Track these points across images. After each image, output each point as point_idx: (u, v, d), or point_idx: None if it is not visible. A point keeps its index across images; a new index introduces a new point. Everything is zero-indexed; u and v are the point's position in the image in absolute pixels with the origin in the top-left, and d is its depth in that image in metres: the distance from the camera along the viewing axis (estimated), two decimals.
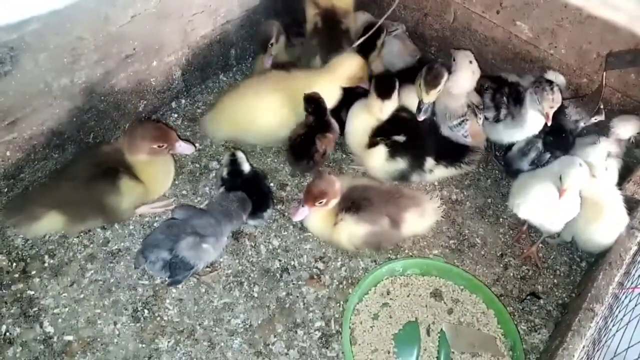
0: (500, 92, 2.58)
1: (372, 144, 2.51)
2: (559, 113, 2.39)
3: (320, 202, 2.22)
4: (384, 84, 2.45)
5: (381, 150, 2.48)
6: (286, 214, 2.50)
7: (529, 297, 2.36)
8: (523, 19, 2.51)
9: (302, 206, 2.25)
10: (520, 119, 2.47)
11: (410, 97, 2.53)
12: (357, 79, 2.60)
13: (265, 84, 2.55)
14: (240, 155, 2.45)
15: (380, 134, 2.50)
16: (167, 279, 2.17)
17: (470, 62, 2.50)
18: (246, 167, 2.44)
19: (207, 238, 2.14)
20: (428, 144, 2.55)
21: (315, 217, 2.33)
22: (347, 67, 2.57)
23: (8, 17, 1.92)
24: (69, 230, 2.29)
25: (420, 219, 2.37)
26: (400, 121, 2.52)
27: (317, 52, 2.79)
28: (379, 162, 2.50)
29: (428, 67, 2.38)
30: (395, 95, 2.45)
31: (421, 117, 2.41)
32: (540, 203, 2.26)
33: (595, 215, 2.28)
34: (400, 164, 2.49)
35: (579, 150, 2.42)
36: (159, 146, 2.24)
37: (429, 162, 2.55)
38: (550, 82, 2.32)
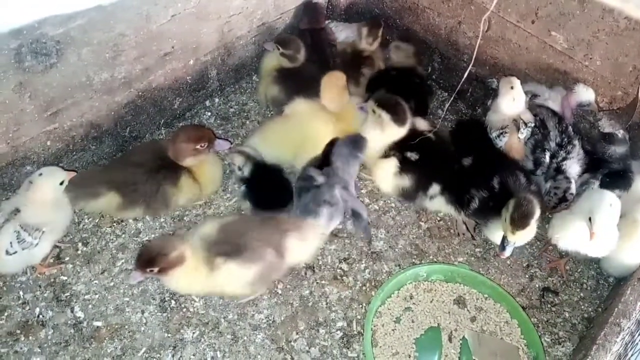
0: (544, 147, 2.48)
1: (385, 155, 2.49)
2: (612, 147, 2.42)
3: (152, 271, 1.91)
4: (398, 109, 2.42)
5: (392, 164, 2.45)
6: None
7: (544, 293, 2.36)
8: (558, 29, 2.49)
9: (135, 270, 1.96)
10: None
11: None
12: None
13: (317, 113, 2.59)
14: (251, 151, 2.45)
15: (397, 147, 2.48)
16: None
17: (512, 87, 2.48)
18: (259, 157, 2.46)
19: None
20: (439, 170, 2.46)
21: (179, 274, 1.96)
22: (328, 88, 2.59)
23: (60, 8, 2.02)
24: (119, 214, 2.37)
25: (302, 243, 2.15)
26: (420, 139, 2.46)
27: None
28: (388, 174, 2.47)
29: (518, 201, 2.08)
30: (409, 120, 2.46)
31: (505, 255, 2.16)
32: (578, 238, 2.20)
33: (626, 233, 2.21)
34: (406, 181, 2.45)
35: None
36: (201, 146, 2.31)
37: (434, 188, 2.45)
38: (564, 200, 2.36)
